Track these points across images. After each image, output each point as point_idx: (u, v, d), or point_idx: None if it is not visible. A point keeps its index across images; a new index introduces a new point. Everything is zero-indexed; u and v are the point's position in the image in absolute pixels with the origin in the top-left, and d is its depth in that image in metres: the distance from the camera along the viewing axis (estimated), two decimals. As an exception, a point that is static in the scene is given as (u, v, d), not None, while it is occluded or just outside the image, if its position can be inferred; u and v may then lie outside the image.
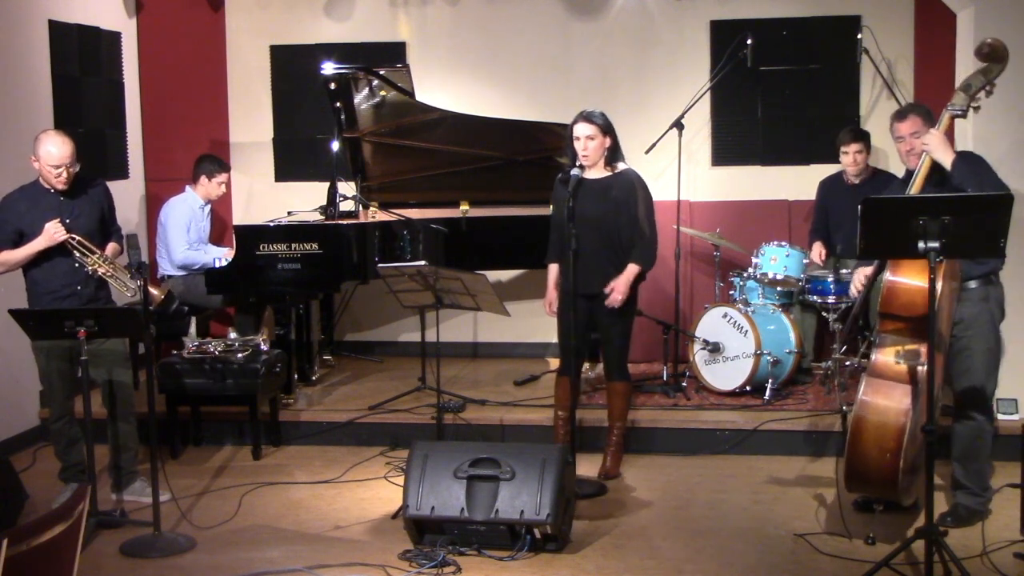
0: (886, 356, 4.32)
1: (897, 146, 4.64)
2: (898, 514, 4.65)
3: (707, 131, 7.46)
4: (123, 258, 5.03)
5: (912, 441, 4.19)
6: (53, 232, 4.86)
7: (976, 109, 4.37)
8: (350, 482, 5.41)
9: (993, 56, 4.33)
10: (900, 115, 4.64)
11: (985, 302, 4.50)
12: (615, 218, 5.11)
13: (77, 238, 4.90)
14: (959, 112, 4.33)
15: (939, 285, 4.06)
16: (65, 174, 4.89)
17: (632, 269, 5.12)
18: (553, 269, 5.32)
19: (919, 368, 4.20)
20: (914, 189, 4.36)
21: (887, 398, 4.24)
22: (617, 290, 5.10)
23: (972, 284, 4.47)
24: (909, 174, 4.56)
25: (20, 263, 4.96)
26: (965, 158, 4.35)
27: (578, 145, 5.08)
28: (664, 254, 5.36)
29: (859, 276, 4.68)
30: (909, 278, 4.21)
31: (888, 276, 4.26)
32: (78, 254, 4.91)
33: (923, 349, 4.20)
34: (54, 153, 4.85)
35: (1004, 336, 5.38)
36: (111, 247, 5.11)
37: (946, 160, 4.27)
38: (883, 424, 4.21)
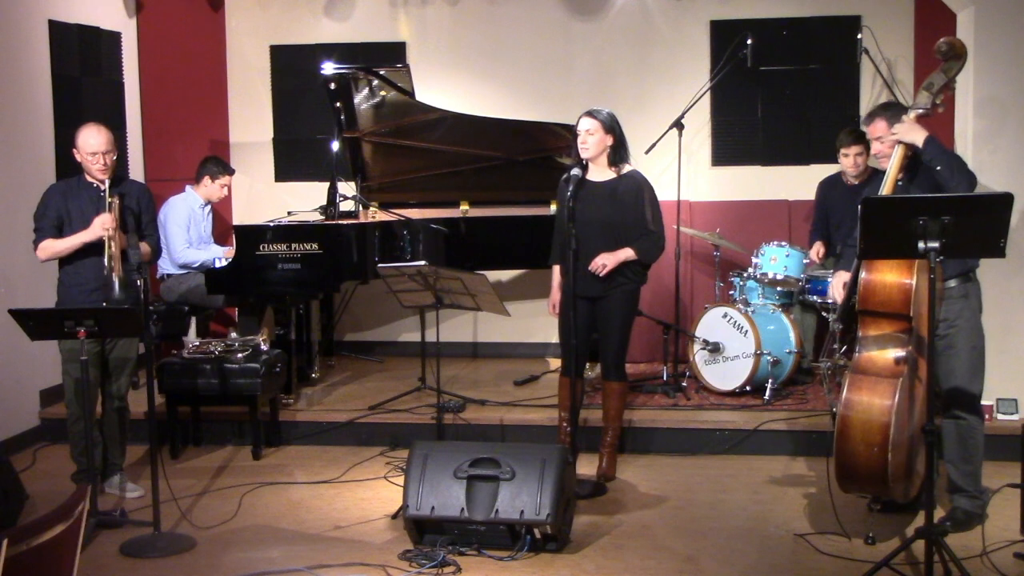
0: (868, 354, 4.33)
1: (874, 145, 4.58)
2: (898, 514, 4.65)
3: (707, 131, 7.46)
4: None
5: (900, 436, 4.18)
6: (102, 224, 4.94)
7: (940, 107, 4.41)
8: (350, 482, 5.41)
9: (952, 54, 4.41)
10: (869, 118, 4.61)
11: (966, 299, 4.47)
12: (621, 220, 5.08)
13: (117, 233, 4.94)
14: (923, 111, 4.38)
15: (917, 281, 4.10)
16: (103, 161, 4.99)
17: (626, 251, 5.08)
18: (556, 271, 5.30)
19: (903, 363, 4.20)
20: (887, 186, 4.37)
21: (871, 394, 4.24)
22: (604, 259, 5.03)
23: (951, 283, 4.43)
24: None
25: (64, 252, 5.05)
26: (936, 138, 4.37)
27: (579, 140, 5.09)
28: (664, 254, 5.35)
29: (838, 282, 4.66)
30: (883, 275, 4.22)
31: (863, 275, 4.27)
32: (110, 252, 4.97)
33: (905, 346, 4.22)
34: (91, 140, 4.99)
35: (1004, 335, 5.39)
36: (144, 248, 5.08)
37: (918, 139, 4.29)
38: (868, 420, 4.20)
